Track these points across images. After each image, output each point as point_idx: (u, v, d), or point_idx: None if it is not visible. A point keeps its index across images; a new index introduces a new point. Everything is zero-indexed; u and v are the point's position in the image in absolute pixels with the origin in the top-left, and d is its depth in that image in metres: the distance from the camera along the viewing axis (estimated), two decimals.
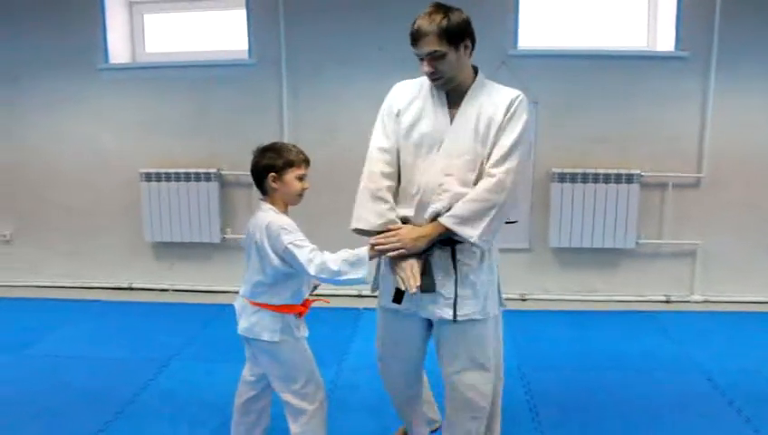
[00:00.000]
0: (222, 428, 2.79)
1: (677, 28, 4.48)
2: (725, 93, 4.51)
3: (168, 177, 4.82)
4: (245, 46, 4.76)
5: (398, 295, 2.21)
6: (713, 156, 4.60)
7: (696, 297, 4.75)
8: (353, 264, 2.19)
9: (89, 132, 4.94)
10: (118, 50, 4.91)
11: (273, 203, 2.35)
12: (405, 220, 2.25)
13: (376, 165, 2.27)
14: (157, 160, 4.86)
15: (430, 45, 2.10)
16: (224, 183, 4.85)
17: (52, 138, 4.97)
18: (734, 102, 4.53)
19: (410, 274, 2.15)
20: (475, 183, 2.18)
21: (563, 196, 4.61)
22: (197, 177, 4.80)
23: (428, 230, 2.18)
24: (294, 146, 2.40)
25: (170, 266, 5.06)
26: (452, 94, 2.24)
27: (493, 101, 2.20)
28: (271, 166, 2.31)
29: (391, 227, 2.21)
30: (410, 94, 2.29)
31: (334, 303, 4.48)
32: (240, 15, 4.75)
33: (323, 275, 2.20)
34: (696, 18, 4.45)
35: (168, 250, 5.02)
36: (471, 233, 2.13)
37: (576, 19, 4.80)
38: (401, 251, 2.16)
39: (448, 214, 2.15)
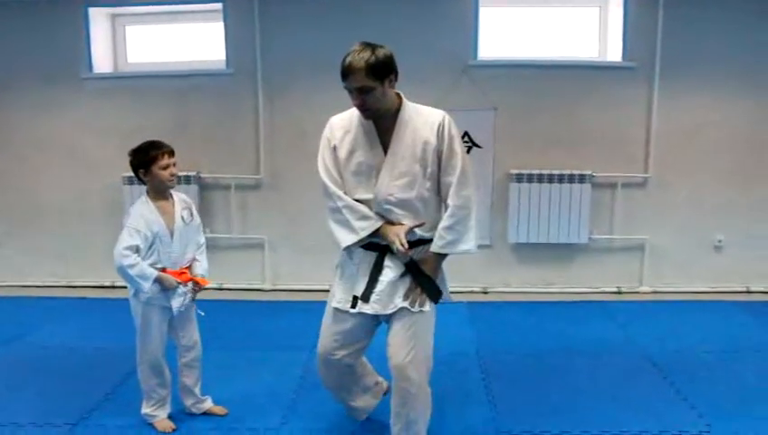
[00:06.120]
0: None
1: (624, 40, 4.85)
2: (668, 100, 4.89)
3: None
4: (223, 57, 5.03)
5: (355, 301, 2.56)
6: (658, 158, 4.97)
7: (645, 288, 5.11)
8: (141, 275, 2.74)
9: (74, 138, 5.16)
10: (101, 60, 5.15)
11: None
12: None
13: (335, 194, 2.51)
14: None
15: (359, 81, 2.34)
16: (203, 185, 5.00)
17: (39, 144, 5.18)
18: (676, 109, 4.91)
19: (401, 238, 2.43)
20: (416, 199, 2.48)
21: (521, 195, 4.94)
22: (178, 179, 4.93)
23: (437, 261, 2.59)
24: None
25: None
26: (380, 121, 2.49)
27: (423, 123, 2.47)
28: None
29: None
30: (343, 128, 2.55)
31: (314, 296, 4.80)
32: (218, 28, 5.01)
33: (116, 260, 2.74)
34: (641, 32, 4.82)
35: None
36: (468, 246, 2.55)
37: (533, 31, 5.13)
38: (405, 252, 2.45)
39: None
